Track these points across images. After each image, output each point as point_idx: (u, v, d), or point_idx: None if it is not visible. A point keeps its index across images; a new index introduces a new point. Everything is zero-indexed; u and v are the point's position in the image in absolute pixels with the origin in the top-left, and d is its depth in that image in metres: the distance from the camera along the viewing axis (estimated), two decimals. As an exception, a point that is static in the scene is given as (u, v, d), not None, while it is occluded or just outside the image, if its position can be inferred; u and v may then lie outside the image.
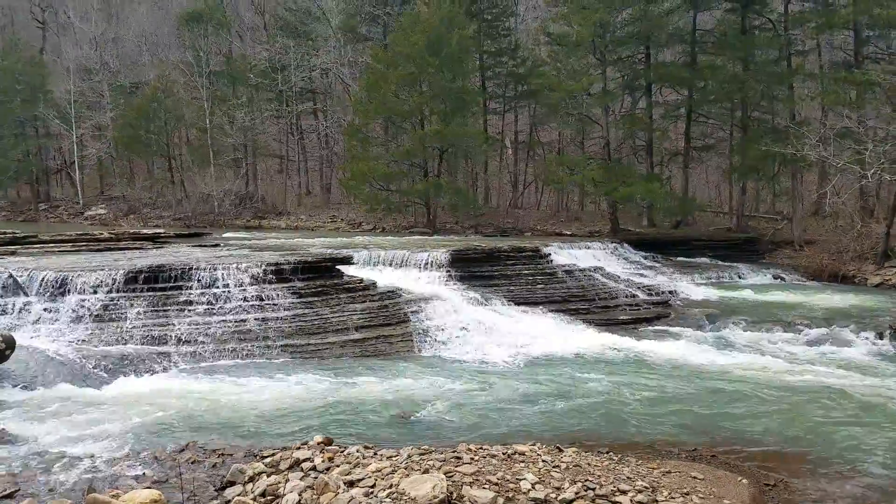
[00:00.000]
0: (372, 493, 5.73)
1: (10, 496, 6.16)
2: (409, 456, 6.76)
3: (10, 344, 10.34)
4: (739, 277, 23.57)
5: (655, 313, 17.67)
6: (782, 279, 23.55)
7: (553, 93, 30.16)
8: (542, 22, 38.00)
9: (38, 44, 52.97)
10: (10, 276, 13.18)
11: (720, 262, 25.16)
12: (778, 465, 8.00)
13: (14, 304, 12.84)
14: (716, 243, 27.55)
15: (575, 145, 37.27)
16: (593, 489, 6.20)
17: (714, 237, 28.65)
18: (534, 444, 7.47)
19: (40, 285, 13.20)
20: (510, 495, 5.87)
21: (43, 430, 8.50)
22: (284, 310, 13.98)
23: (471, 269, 18.03)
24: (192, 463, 7.20)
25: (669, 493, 6.45)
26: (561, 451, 7.39)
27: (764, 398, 10.73)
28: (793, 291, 21.01)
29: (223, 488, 6.57)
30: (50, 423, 8.75)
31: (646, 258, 24.75)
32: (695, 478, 7.08)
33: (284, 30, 43.55)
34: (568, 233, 30.22)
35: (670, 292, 19.68)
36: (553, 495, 5.98)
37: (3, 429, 8.36)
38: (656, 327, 16.68)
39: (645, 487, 6.43)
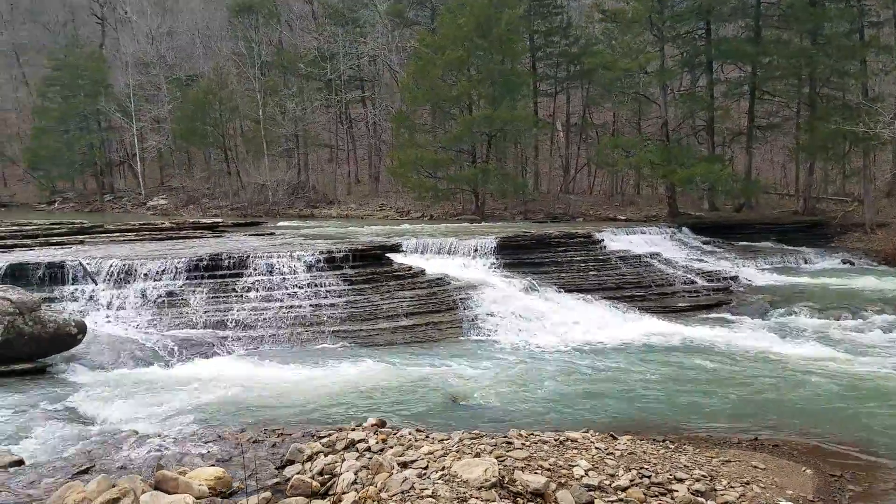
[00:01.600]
0: (425, 474, 5.78)
1: (85, 472, 6.45)
2: (461, 440, 6.79)
3: (82, 328, 10.82)
4: (805, 262, 22.79)
5: (715, 300, 17.25)
6: (851, 264, 22.65)
7: (607, 72, 29.49)
8: (596, -1, 37.24)
9: (97, 39, 54.81)
10: (80, 264, 13.76)
11: (785, 247, 24.38)
12: (845, 455, 7.71)
13: (84, 291, 13.41)
14: (781, 227, 26.70)
15: (631, 126, 36.51)
16: (649, 477, 6.11)
17: (779, 220, 27.74)
18: (587, 432, 7.41)
19: (108, 273, 13.75)
20: (563, 481, 5.84)
21: (113, 409, 8.87)
22: (337, 296, 14.21)
23: (520, 256, 17.93)
24: (253, 442, 7.39)
25: (729, 483, 6.32)
26: (615, 438, 7.32)
27: (830, 387, 10.37)
28: (863, 277, 20.15)
29: (283, 467, 6.72)
30: (120, 404, 9.12)
31: (706, 243, 24.13)
32: (755, 467, 6.91)
33: (333, 17, 43.90)
34: (623, 217, 29.67)
35: (731, 278, 19.16)
36: (607, 482, 5.92)
37: (77, 408, 8.77)
38: (716, 314, 16.27)
39: (703, 476, 6.31)
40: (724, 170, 28.18)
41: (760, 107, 30.70)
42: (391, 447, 6.70)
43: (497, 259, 17.67)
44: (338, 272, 14.84)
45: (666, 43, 28.64)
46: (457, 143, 31.67)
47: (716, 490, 6.11)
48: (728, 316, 16.11)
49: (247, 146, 43.73)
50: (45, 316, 10.43)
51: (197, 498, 5.51)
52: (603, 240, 19.79)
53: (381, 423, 7.78)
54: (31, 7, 60.97)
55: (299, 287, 14.22)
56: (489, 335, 14.08)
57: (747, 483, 6.39)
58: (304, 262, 14.75)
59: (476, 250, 17.96)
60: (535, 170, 37.76)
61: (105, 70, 45.49)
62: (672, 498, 5.83)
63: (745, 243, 24.63)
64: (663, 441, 7.58)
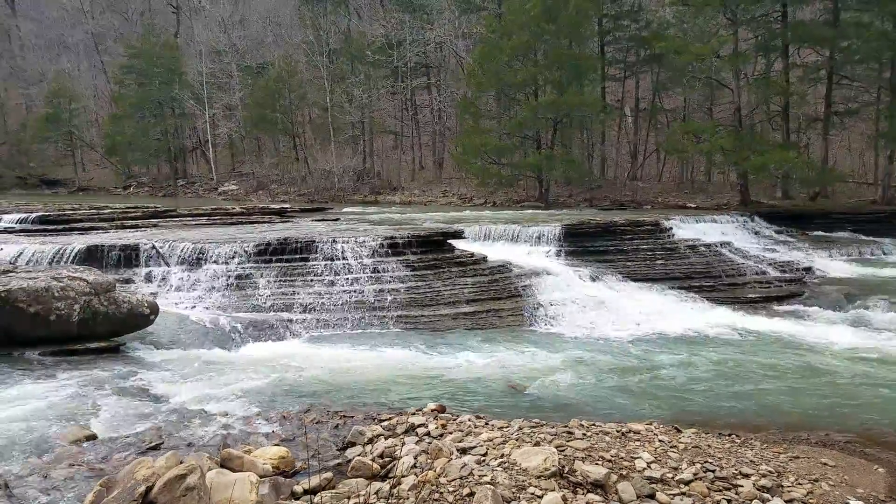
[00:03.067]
0: (484, 461, 5.78)
1: (156, 448, 6.71)
2: (520, 428, 6.76)
3: (154, 309, 11.23)
4: (884, 253, 21.70)
5: (788, 291, 16.62)
6: (934, 256, 21.42)
7: (679, 56, 28.58)
8: (667, -18, 36.13)
9: (172, 28, 56.68)
10: (153, 247, 14.32)
11: (862, 237, 23.30)
12: (923, 456, 7.33)
13: (157, 273, 13.96)
14: (857, 217, 25.50)
15: (702, 112, 35.41)
16: (713, 471, 5.95)
17: (856, 210, 26.49)
18: (650, 424, 7.26)
19: (179, 256, 14.26)
20: (624, 473, 5.74)
21: (183, 388, 9.18)
22: (399, 282, 14.33)
23: (584, 244, 17.66)
24: (316, 423, 7.54)
25: (796, 479, 6.08)
26: (679, 431, 7.14)
27: (910, 384, 9.86)
28: (947, 269, 19.04)
29: (344, 448, 6.84)
30: (189, 383, 9.43)
31: (779, 232, 23.31)
32: (825, 464, 6.64)
33: (400, 4, 44.08)
34: (692, 205, 28.90)
35: (805, 269, 18.43)
36: (669, 475, 5.79)
37: (149, 386, 9.15)
38: (788, 306, 15.69)
39: (769, 472, 6.10)
40: (799, 157, 27.04)
41: (838, 92, 29.28)
42: (450, 433, 6.72)
43: (561, 247, 17.46)
44: (400, 258, 14.96)
45: (740, 26, 27.59)
46: (522, 129, 31.41)
47: (782, 486, 5.89)
48: (801, 308, 15.52)
49: (314, 133, 44.58)
50: (120, 296, 10.85)
51: (261, 476, 5.67)
52: (671, 228, 19.28)
53: (441, 409, 7.82)
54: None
55: (363, 272, 14.41)
56: (551, 323, 13.95)
57: (816, 480, 6.14)
58: (368, 247, 14.93)
59: (539, 238, 17.80)
60: (602, 156, 37.07)
61: (179, 58, 46.98)
62: (737, 493, 5.66)
63: (819, 233, 23.69)
64: (729, 435, 7.36)
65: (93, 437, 7.05)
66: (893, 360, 11.22)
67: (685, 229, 20.33)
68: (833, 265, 19.63)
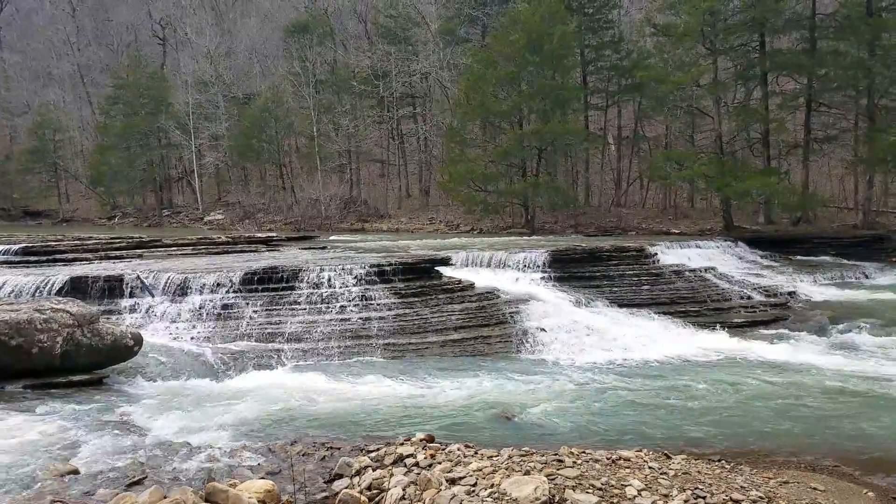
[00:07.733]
0: (473, 491, 5.73)
1: (139, 482, 6.59)
2: (510, 456, 6.71)
3: (139, 341, 11.10)
4: (866, 277, 21.93)
5: (773, 316, 16.73)
6: (916, 279, 21.68)
7: (660, 85, 29.16)
8: (647, 13, 36.90)
9: (158, 59, 56.91)
10: (138, 277, 14.20)
11: (844, 262, 23.55)
12: (912, 479, 7.34)
13: (141, 304, 13.82)
14: (839, 241, 25.80)
15: (684, 139, 35.94)
16: (703, 497, 5.92)
17: (837, 234, 26.83)
18: (640, 450, 7.23)
19: (165, 286, 14.14)
20: (615, 501, 5.71)
21: (167, 421, 9.04)
22: (386, 310, 14.29)
23: (571, 270, 17.72)
24: (302, 455, 7.45)
25: (788, 505, 6.07)
26: (669, 457, 7.12)
27: (893, 408, 9.89)
28: (928, 292, 19.28)
29: (331, 480, 6.74)
30: (173, 415, 9.29)
31: (762, 257, 23.56)
32: (815, 489, 6.63)
33: (386, 37, 44.64)
34: (676, 231, 29.17)
35: (789, 293, 18.57)
36: (660, 502, 5.76)
37: (132, 419, 9.00)
38: (773, 330, 15.76)
39: (760, 498, 6.08)
40: (780, 183, 27.44)
41: (817, 119, 29.91)
42: (439, 463, 6.66)
43: (547, 273, 17.51)
44: (388, 285, 14.94)
45: (719, 56, 28.18)
46: (507, 157, 31.73)
47: (774, 514, 5.88)
48: (786, 332, 15.60)
49: (301, 162, 44.72)
50: (103, 328, 10.72)
51: (247, 509, 5.57)
52: (656, 253, 19.42)
53: (430, 439, 7.75)
54: (95, 29, 63.88)
55: (350, 300, 14.36)
56: (539, 350, 13.92)
57: (807, 506, 6.13)
58: (355, 275, 14.90)
59: (526, 264, 17.84)
60: (586, 183, 37.44)
61: (165, 89, 47.06)
62: (728, 521, 5.64)
63: (802, 258, 23.92)
64: (719, 461, 7.35)
65: (75, 472, 6.91)
66: (879, 383, 11.27)
67: (670, 255, 20.49)
68: (817, 289, 19.80)
